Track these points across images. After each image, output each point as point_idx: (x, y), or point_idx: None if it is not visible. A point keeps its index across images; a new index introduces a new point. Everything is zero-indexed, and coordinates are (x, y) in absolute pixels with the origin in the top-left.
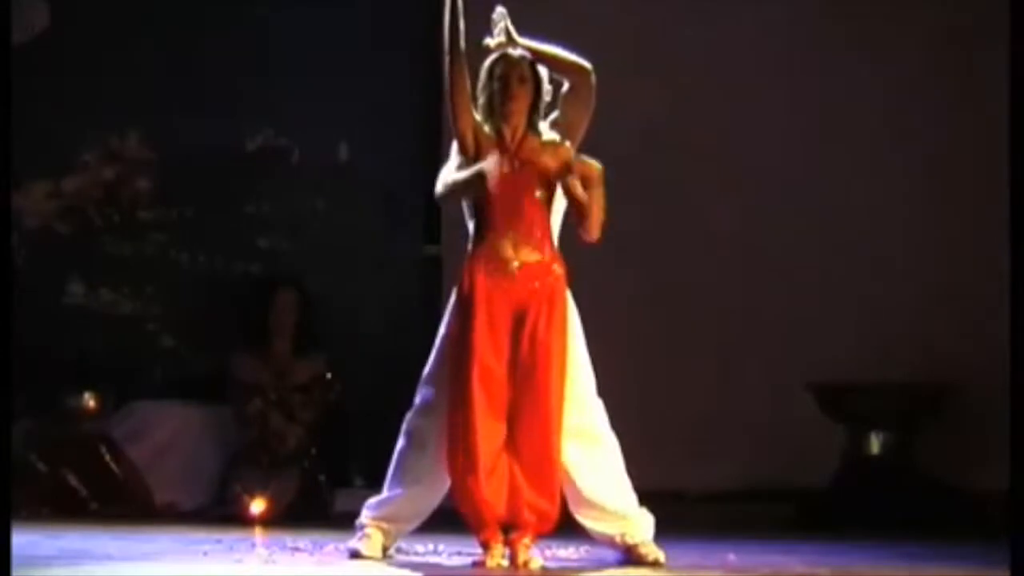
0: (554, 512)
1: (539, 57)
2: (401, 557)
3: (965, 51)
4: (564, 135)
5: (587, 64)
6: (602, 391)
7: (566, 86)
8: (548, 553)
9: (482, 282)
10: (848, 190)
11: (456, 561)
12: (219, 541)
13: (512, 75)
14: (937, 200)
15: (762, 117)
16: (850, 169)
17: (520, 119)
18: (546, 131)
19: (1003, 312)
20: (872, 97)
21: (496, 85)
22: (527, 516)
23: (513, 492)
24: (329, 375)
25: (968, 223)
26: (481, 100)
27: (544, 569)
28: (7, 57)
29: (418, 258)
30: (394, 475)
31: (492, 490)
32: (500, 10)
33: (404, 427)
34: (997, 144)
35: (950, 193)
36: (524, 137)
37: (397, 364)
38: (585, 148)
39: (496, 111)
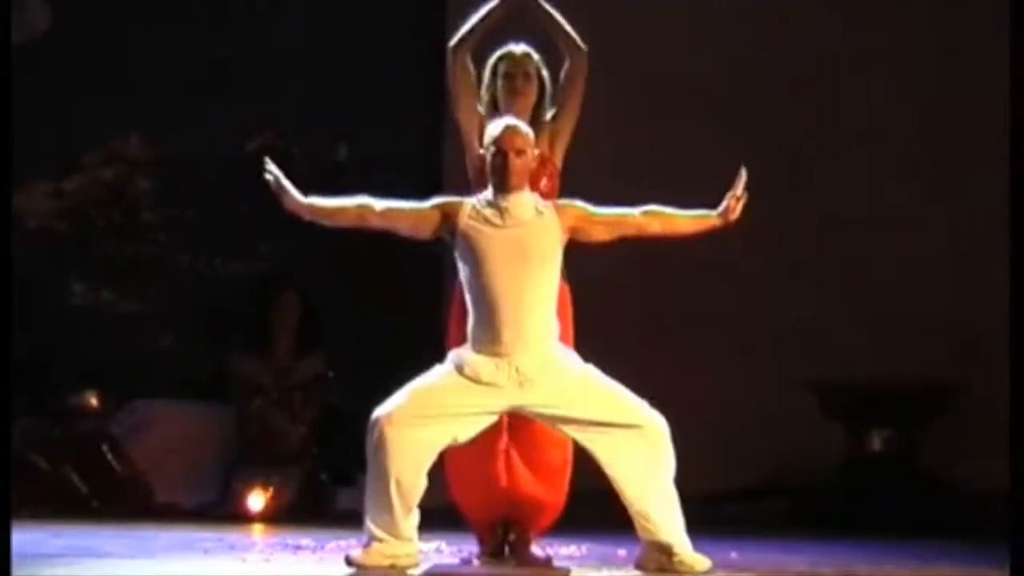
0: (557, 504)
1: (543, 16)
2: None
3: (965, 50)
4: (559, 115)
5: (583, 45)
6: None
7: (566, 64)
8: (550, 550)
9: None
10: (848, 192)
11: (458, 559)
12: (220, 539)
13: (517, 72)
14: (937, 201)
15: (757, 116)
16: (850, 170)
17: (526, 116)
18: None
19: (1004, 312)
20: (870, 99)
21: (501, 83)
22: (528, 511)
23: (514, 488)
24: (330, 374)
25: (968, 225)
26: (486, 97)
27: (546, 565)
28: (7, 57)
29: (417, 258)
30: None
31: (492, 487)
32: None
33: None
34: (996, 147)
35: (950, 194)
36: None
37: (397, 362)
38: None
39: (502, 108)
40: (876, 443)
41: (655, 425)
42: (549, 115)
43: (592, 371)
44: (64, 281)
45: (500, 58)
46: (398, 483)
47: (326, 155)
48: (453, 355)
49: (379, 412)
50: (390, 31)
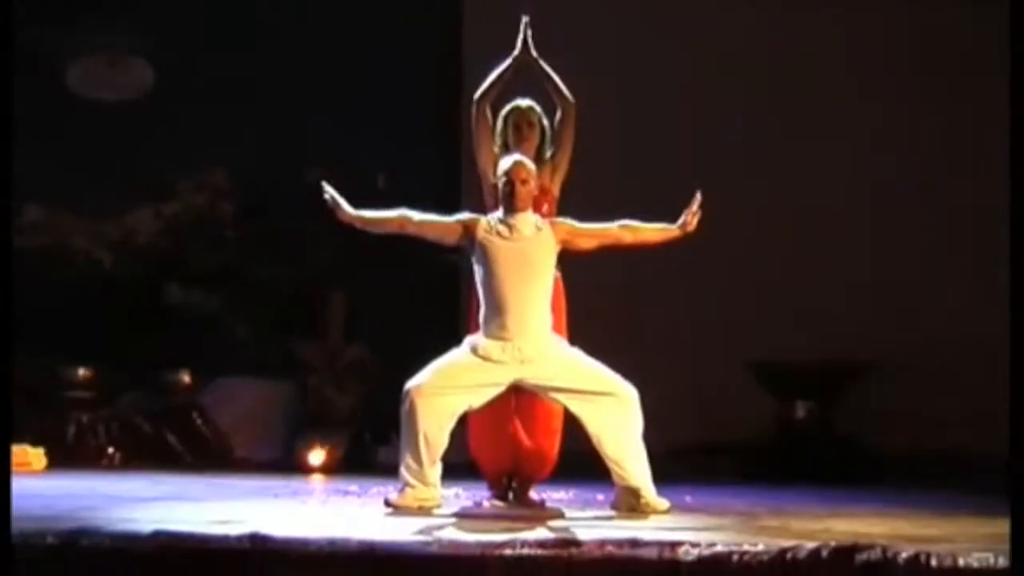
0: (551, 460)
1: (542, 74)
2: None
3: (949, 50)
4: (556, 154)
5: (571, 99)
6: None
7: (559, 113)
8: (544, 495)
9: None
10: (782, 198)
11: (472, 502)
12: (286, 486)
13: (523, 122)
14: (861, 209)
15: (711, 114)
16: (787, 173)
17: (530, 155)
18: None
19: (911, 301)
20: (826, 98)
21: (511, 130)
22: (529, 465)
23: (519, 447)
24: (372, 357)
25: (884, 228)
26: (499, 141)
27: (542, 507)
28: (9, 60)
29: (440, 265)
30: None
31: (502, 446)
32: (525, 19)
33: None
34: (941, 149)
35: (874, 199)
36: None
37: (424, 347)
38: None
39: (512, 149)
40: (800, 411)
41: (627, 393)
42: (549, 154)
43: (578, 353)
44: (164, 285)
45: (510, 111)
46: (426, 440)
47: (367, 183)
48: (468, 340)
49: (410, 385)
50: (416, 82)
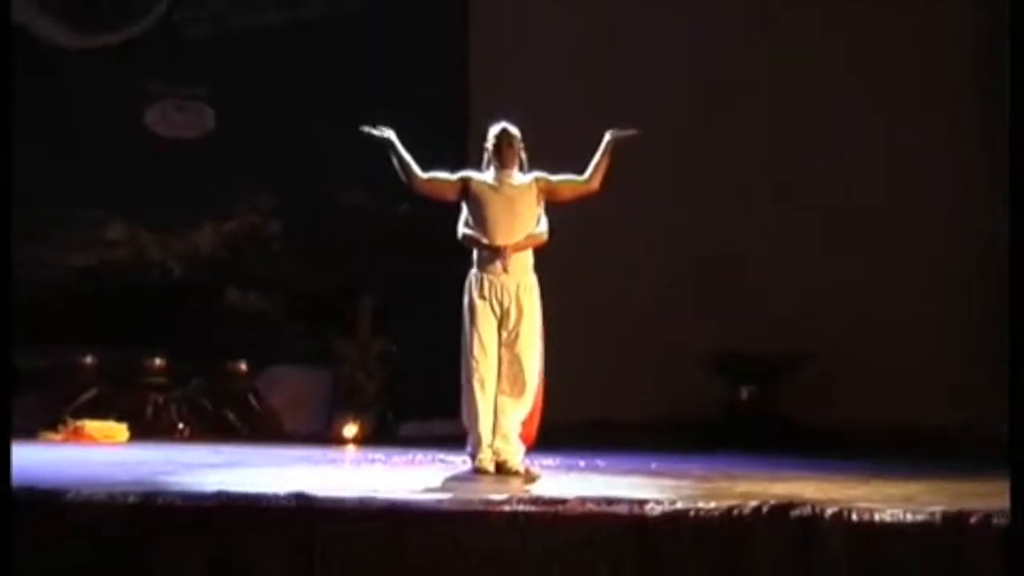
0: (530, 434)
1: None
2: (441, 464)
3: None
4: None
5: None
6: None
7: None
8: (536, 462)
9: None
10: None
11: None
12: (324, 455)
13: (503, 142)
14: (799, 220)
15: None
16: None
17: (513, 167)
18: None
19: (845, 297)
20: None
21: (503, 147)
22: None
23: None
24: (394, 349)
25: (815, 235)
26: (487, 156)
27: (525, 471)
28: (8, 64)
29: (453, 273)
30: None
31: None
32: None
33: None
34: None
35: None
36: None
37: (438, 344)
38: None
39: (498, 163)
40: (745, 393)
41: (530, 385)
42: (531, 176)
43: (536, 328)
44: (224, 290)
45: (498, 132)
46: (481, 416)
47: (393, 208)
48: (468, 280)
49: (470, 372)
50: (435, 112)
